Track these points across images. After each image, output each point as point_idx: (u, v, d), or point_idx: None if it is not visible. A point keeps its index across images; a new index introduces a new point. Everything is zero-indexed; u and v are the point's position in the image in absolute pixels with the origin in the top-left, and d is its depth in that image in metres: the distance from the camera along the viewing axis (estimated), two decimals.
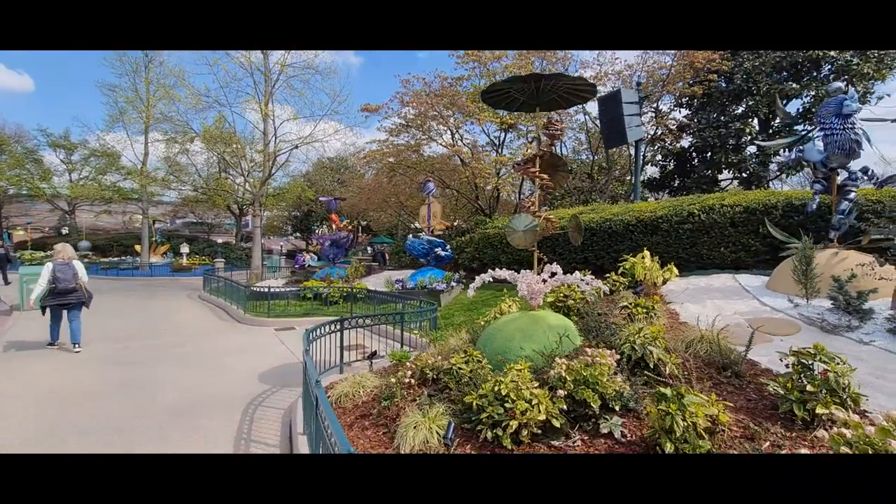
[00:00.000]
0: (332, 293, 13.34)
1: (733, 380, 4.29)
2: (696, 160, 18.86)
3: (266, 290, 13.07)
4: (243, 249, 35.90)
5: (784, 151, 16.76)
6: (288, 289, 14.90)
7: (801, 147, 6.46)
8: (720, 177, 18.50)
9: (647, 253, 8.80)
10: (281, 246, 46.09)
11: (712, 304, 6.85)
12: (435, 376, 5.29)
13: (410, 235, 14.42)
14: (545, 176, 6.29)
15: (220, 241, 41.46)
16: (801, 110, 15.87)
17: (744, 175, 17.15)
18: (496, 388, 4.03)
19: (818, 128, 6.40)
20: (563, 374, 4.01)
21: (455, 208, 20.69)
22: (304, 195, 28.46)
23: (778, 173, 16.98)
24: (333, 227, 16.98)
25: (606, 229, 10.26)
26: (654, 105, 17.97)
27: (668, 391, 3.36)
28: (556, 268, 6.66)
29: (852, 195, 6.33)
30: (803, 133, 7.18)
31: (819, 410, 3.38)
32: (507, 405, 3.89)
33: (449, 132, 17.55)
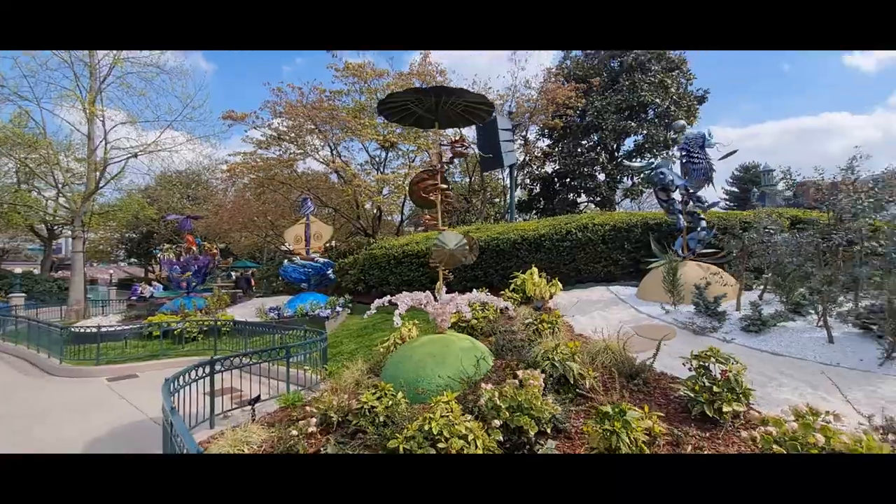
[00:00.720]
0: (189, 328, 11.19)
1: (642, 387, 4.51)
2: (558, 185, 21.14)
3: (93, 330, 10.36)
4: (55, 281, 28.66)
5: (629, 179, 19.87)
6: (126, 327, 12.11)
7: (661, 172, 7.46)
8: (579, 200, 21.04)
9: (535, 269, 9.21)
10: (110, 274, 38.14)
11: (599, 314, 7.37)
12: (342, 419, 4.53)
13: (297, 258, 12.93)
14: (450, 193, 6.11)
15: (18, 270, 32.50)
16: (636, 145, 19.14)
17: (597, 199, 19.81)
18: (426, 427, 3.54)
19: (683, 157, 7.49)
20: (497, 401, 3.71)
21: (333, 229, 19.52)
22: (143, 213, 24.01)
23: (623, 197, 20.14)
24: (192, 249, 14.47)
25: (494, 247, 10.56)
26: (524, 134, 19.69)
27: (608, 409, 3.29)
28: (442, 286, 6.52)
29: (702, 215, 7.53)
30: (652, 160, 8.27)
31: (725, 409, 3.67)
32: (439, 445, 3.42)
33: (328, 148, 16.52)
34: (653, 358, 4.49)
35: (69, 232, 18.79)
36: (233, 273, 31.16)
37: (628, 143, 19.44)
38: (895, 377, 4.28)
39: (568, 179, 20.38)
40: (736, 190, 33.49)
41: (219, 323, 11.16)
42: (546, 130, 19.84)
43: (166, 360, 10.12)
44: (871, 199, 5.74)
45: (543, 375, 4.31)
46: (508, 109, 15.79)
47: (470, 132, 16.37)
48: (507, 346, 5.67)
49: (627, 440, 3.08)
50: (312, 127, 14.77)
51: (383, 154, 17.58)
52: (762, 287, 6.81)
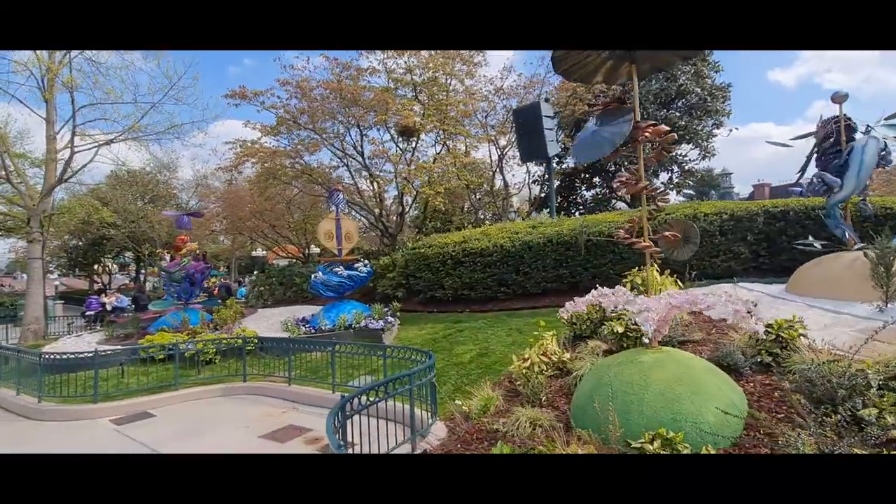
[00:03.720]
0: (206, 349, 8.94)
1: None
2: (577, 181, 20.12)
3: (72, 356, 8.04)
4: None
5: (666, 173, 19.08)
6: (109, 347, 9.71)
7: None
8: (608, 195, 20.07)
9: (653, 266, 7.87)
10: (55, 287, 33.29)
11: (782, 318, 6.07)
12: None
13: (341, 267, 10.70)
14: (673, 135, 4.55)
15: None
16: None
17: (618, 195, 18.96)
18: None
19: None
20: None
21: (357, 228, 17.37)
22: (96, 216, 20.35)
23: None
24: (184, 251, 12.00)
25: (585, 243, 9.14)
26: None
27: None
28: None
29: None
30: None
31: None
32: None
33: (358, 133, 14.29)
34: None
35: (27, 234, 15.18)
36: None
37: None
38: None
39: (587, 175, 19.38)
40: (693, 193, 34.12)
41: (244, 339, 8.98)
42: (572, 121, 18.72)
43: (185, 391, 7.92)
44: None
45: None
46: (545, 96, 14.53)
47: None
48: (739, 363, 4.25)
49: None
50: (335, 108, 12.74)
51: (404, 143, 15.72)
52: None
